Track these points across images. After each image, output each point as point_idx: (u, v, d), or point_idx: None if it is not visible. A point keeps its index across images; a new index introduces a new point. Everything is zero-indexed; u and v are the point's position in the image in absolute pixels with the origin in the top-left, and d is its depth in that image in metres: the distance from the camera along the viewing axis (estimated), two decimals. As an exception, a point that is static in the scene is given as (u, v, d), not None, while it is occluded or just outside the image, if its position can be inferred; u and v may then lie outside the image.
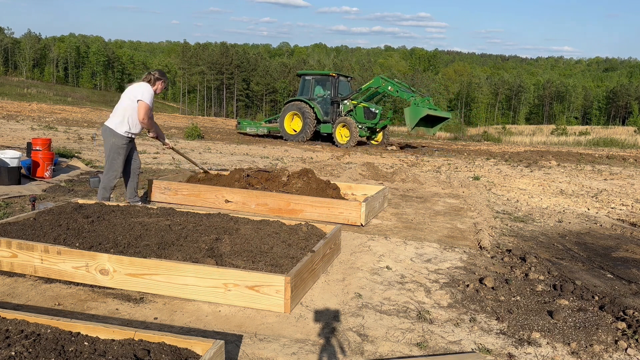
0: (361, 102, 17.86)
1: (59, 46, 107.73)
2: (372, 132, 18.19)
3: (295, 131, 18.33)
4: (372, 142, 18.58)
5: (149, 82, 5.55)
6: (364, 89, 18.50)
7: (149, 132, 5.80)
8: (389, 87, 17.59)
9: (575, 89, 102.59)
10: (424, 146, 20.29)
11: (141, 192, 6.53)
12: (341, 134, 17.49)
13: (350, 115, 17.72)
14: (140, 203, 5.63)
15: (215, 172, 7.35)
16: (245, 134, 20.42)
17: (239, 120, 21.86)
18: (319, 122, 18.17)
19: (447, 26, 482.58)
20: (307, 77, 18.94)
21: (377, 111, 17.59)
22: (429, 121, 16.79)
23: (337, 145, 17.36)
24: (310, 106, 17.95)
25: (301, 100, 18.27)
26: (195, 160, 7.83)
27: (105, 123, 5.55)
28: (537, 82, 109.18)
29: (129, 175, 5.72)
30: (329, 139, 18.41)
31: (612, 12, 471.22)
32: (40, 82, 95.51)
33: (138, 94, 5.40)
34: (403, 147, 18.83)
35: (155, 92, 5.59)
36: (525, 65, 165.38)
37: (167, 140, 6.13)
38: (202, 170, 7.31)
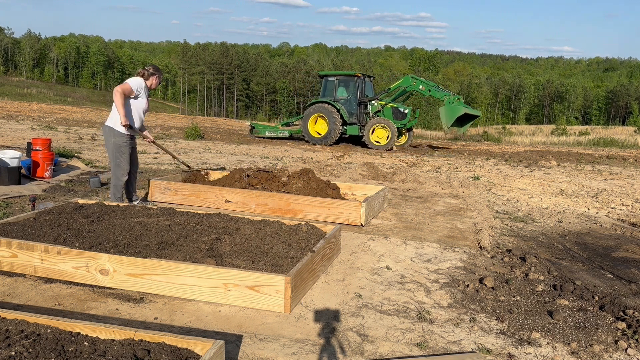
0: (389, 103, 17.42)
1: (59, 46, 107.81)
2: (399, 133, 17.59)
3: (320, 134, 17.44)
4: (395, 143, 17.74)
5: (142, 76, 5.62)
6: (393, 89, 17.99)
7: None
8: (420, 86, 17.16)
9: (575, 89, 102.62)
10: (424, 146, 20.29)
11: (141, 193, 6.54)
12: (376, 136, 16.87)
13: (378, 116, 17.17)
14: (139, 203, 5.64)
15: (205, 170, 7.38)
16: (264, 137, 18.96)
17: (253, 124, 20.17)
18: (344, 123, 17.43)
19: (447, 26, 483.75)
20: (330, 78, 18.03)
21: (406, 111, 17.15)
22: (459, 119, 16.54)
23: (369, 148, 16.80)
24: (335, 108, 17.10)
25: (325, 102, 17.38)
26: (178, 156, 7.69)
27: (105, 123, 5.58)
28: (537, 82, 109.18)
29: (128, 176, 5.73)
30: (353, 140, 17.90)
31: (612, 12, 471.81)
32: (40, 82, 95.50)
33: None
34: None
35: (150, 87, 5.67)
36: (525, 65, 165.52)
37: (146, 133, 5.86)
38: (187, 168, 7.40)
